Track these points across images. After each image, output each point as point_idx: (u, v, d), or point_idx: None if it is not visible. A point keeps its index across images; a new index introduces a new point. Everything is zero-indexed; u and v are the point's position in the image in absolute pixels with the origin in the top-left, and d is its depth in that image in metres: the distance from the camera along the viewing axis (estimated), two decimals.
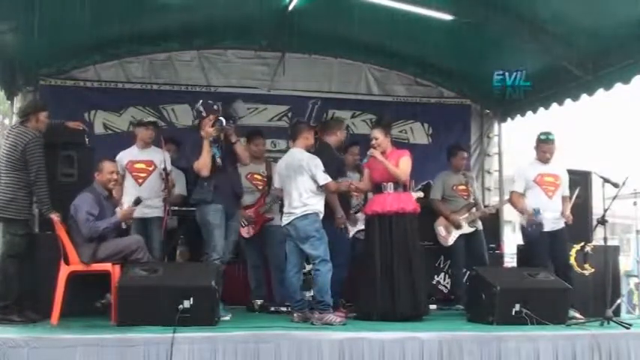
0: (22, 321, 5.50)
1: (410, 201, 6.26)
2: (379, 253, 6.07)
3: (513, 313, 5.72)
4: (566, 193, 6.63)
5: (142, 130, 6.68)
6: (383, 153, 6.20)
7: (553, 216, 6.46)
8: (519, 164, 6.98)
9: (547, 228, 6.39)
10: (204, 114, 6.00)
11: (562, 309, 5.92)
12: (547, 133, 6.65)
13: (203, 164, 5.95)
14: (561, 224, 6.52)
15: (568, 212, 6.53)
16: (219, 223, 5.98)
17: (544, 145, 6.60)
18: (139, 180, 6.55)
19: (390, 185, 6.20)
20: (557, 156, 6.70)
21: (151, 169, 6.57)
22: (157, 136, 6.73)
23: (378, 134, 6.26)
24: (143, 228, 6.42)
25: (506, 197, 7.39)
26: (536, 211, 6.34)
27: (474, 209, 7.40)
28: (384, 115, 7.17)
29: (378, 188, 6.31)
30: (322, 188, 6.01)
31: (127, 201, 6.32)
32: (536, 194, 6.54)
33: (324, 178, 5.97)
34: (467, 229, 7.28)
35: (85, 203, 5.71)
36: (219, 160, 5.98)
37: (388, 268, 6.03)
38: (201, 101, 6.18)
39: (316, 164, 6.01)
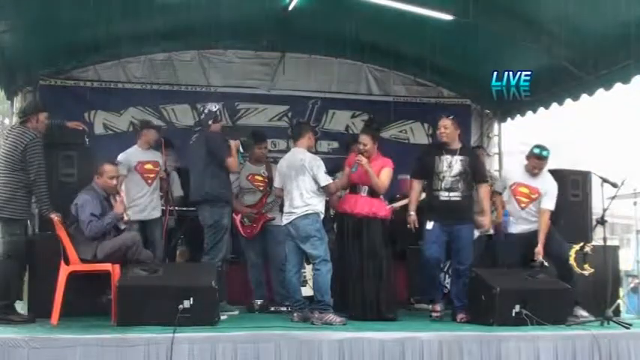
0: (22, 321, 5.49)
1: (382, 207, 6.28)
2: (350, 255, 6.13)
3: (513, 314, 5.72)
4: (548, 206, 6.32)
5: (152, 133, 6.72)
6: (368, 158, 6.18)
7: (525, 222, 6.42)
8: (508, 168, 6.94)
9: (517, 231, 6.44)
10: (219, 118, 6.42)
11: (562, 310, 5.91)
12: (542, 148, 6.40)
13: (235, 163, 6.28)
14: (531, 229, 6.37)
15: (540, 248, 6.18)
16: (229, 227, 6.25)
17: (535, 160, 6.40)
18: (149, 180, 6.60)
19: (365, 189, 6.22)
20: (544, 171, 6.48)
21: (157, 169, 6.66)
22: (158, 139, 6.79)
23: (366, 140, 6.25)
24: (143, 229, 6.45)
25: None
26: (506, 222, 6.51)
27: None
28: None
29: (352, 188, 6.33)
30: (324, 189, 6.01)
31: (138, 203, 6.48)
32: (510, 202, 6.54)
33: (325, 179, 5.98)
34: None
35: (88, 204, 5.73)
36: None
37: (358, 272, 6.09)
38: (218, 105, 6.54)
39: (318, 165, 6.02)
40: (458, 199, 6.18)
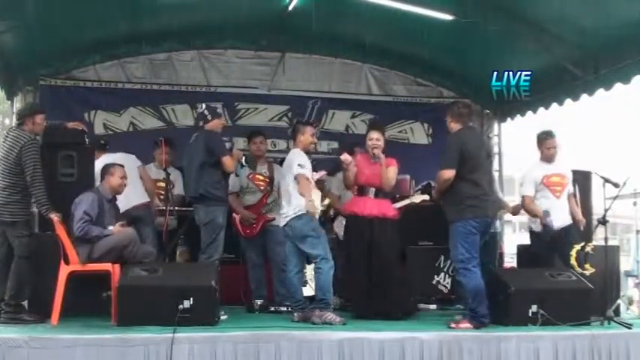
0: (33, 320, 5.50)
1: (389, 208, 6.31)
2: (359, 254, 6.11)
3: (530, 314, 5.65)
4: (572, 190, 6.64)
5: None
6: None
7: (562, 215, 6.47)
8: (525, 167, 6.88)
9: (557, 226, 6.41)
10: (209, 117, 6.32)
11: (583, 311, 5.76)
12: (546, 132, 6.63)
13: (231, 163, 6.22)
14: (568, 221, 6.52)
15: (580, 216, 6.54)
16: (224, 226, 6.22)
17: (546, 141, 6.59)
18: None
19: (372, 190, 6.25)
20: (560, 155, 6.69)
21: None
22: (155, 138, 6.81)
23: (378, 135, 6.29)
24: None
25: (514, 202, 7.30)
26: (546, 213, 6.39)
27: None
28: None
29: (360, 190, 6.34)
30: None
31: None
32: (544, 196, 6.52)
33: (296, 170, 5.91)
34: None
35: (85, 202, 5.70)
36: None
37: (371, 269, 6.07)
38: (204, 105, 6.46)
39: (298, 161, 5.96)
40: None
